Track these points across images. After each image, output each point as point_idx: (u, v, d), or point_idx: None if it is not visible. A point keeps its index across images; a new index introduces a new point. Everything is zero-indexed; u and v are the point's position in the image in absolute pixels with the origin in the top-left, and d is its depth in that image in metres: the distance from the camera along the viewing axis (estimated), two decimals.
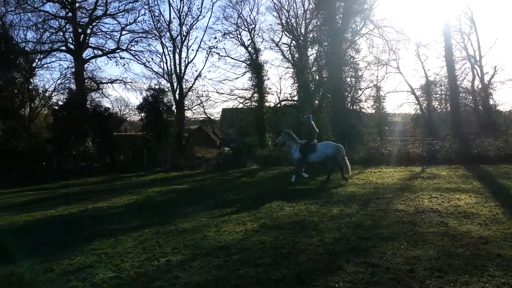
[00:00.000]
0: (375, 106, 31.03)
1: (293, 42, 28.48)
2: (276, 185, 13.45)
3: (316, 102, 26.81)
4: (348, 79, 23.95)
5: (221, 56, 29.22)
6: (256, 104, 28.65)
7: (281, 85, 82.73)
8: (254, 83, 28.36)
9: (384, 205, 8.67)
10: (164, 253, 5.73)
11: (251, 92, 28.86)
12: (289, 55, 28.64)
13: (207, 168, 22.55)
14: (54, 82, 35.29)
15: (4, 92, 25.81)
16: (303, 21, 27.93)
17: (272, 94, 29.05)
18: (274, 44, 29.53)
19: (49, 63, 30.58)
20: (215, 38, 28.71)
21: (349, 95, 24.78)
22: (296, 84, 27.93)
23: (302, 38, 27.75)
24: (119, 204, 11.06)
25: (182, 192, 13.22)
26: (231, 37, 29.19)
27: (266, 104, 28.98)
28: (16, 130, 23.72)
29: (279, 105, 29.51)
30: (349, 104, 25.02)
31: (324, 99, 25.98)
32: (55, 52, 31.01)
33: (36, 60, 29.23)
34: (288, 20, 28.07)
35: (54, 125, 24.20)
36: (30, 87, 27.98)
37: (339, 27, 21.05)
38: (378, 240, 5.82)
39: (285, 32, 28.56)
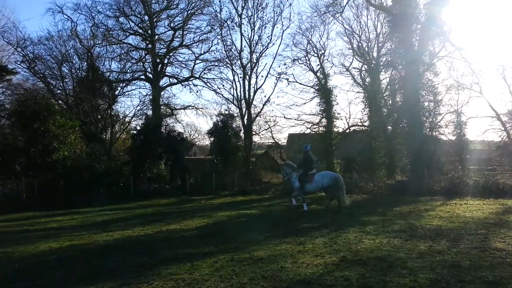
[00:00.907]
0: (455, 133, 28.79)
1: (365, 66, 27.78)
2: (350, 213, 12.74)
3: (389, 127, 25.58)
4: (426, 104, 22.54)
5: (290, 81, 29.33)
6: (324, 129, 28.07)
7: (350, 110, 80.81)
8: (322, 108, 27.89)
9: (479, 242, 7.70)
10: (242, 283, 5.46)
11: (319, 117, 28.38)
12: (360, 80, 27.93)
13: (274, 194, 22.29)
14: (134, 108, 37.92)
15: (89, 117, 28.07)
16: (375, 45, 27.22)
17: (341, 119, 28.26)
18: (344, 69, 29.05)
19: (130, 91, 32.97)
20: (285, 64, 28.96)
21: (427, 120, 23.27)
22: (367, 109, 26.98)
23: (374, 62, 26.94)
24: (191, 227, 11.10)
25: (252, 218, 13.01)
26: (300, 63, 29.27)
27: (335, 129, 28.27)
28: (98, 152, 25.47)
29: (348, 130, 28.63)
30: (428, 130, 23.46)
31: (398, 125, 24.69)
32: (135, 81, 33.42)
33: (119, 88, 31.56)
34: (360, 44, 27.54)
35: (132, 148, 25.61)
36: (112, 113, 30.16)
37: (415, 49, 20.03)
38: (485, 285, 5.03)
39: (356, 56, 28.01)
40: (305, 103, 29.49)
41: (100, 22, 32.26)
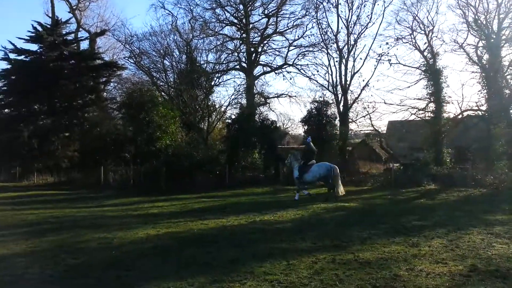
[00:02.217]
0: None
1: (482, 42, 24.10)
2: (470, 210, 10.94)
3: None
4: None
5: (392, 63, 26.86)
6: (432, 115, 25.23)
7: (463, 93, 72.79)
8: (430, 92, 25.04)
9: None
10: None
11: (426, 102, 25.55)
12: (476, 58, 24.34)
13: (373, 185, 20.69)
14: (229, 97, 38.74)
15: (188, 107, 29.25)
16: (496, 17, 23.37)
17: (452, 103, 25.03)
18: (457, 46, 25.53)
19: (225, 80, 33.55)
20: (387, 44, 26.57)
21: None
22: (485, 91, 23.45)
23: (494, 37, 23.24)
24: (286, 219, 10.48)
25: (351, 211, 11.93)
26: (404, 42, 26.61)
27: (445, 115, 25.23)
28: (197, 141, 26.39)
29: (460, 115, 25.32)
30: None
31: None
32: (230, 71, 33.98)
33: (215, 79, 32.36)
34: (476, 17, 23.92)
35: (227, 137, 26.03)
36: (209, 103, 31.07)
37: None
38: None
39: (471, 31, 24.41)
40: (409, 87, 26.67)
41: (198, 15, 33.37)
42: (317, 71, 29.86)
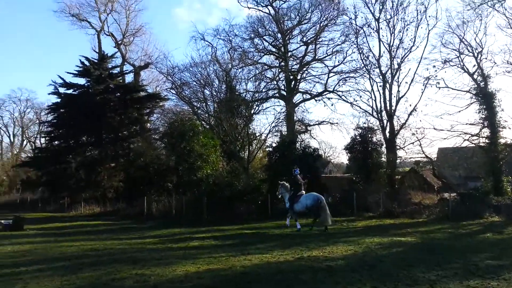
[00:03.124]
0: None
1: None
2: None
3: None
4: None
5: (440, 87, 25.46)
6: (487, 141, 23.40)
7: None
8: (483, 116, 23.38)
9: None
10: None
11: (480, 127, 23.81)
12: None
13: (429, 217, 19.08)
14: (269, 125, 38.40)
15: (228, 136, 29.10)
16: None
17: (508, 128, 23.13)
18: (510, 67, 23.91)
19: (265, 108, 33.32)
20: (434, 67, 25.29)
21: None
22: None
23: None
24: (337, 255, 9.51)
25: (410, 247, 10.74)
26: (452, 65, 25.25)
27: (501, 140, 23.31)
28: (238, 170, 25.94)
29: None
30: None
31: None
32: (270, 99, 33.82)
33: (254, 107, 32.25)
34: None
35: (268, 165, 25.40)
36: (249, 131, 30.83)
37: None
38: None
39: None
40: (459, 111, 25.04)
41: (236, 45, 33.91)
42: (360, 96, 28.94)
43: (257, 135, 31.92)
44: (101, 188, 31.75)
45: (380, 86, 27.06)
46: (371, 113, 27.64)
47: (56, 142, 35.85)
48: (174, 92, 35.24)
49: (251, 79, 32.97)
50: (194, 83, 33.28)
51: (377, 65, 27.25)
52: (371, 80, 27.62)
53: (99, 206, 28.13)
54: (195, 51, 48.07)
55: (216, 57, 33.31)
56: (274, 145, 26.03)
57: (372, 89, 27.51)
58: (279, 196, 16.71)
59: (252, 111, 32.35)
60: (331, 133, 75.18)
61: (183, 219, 20.13)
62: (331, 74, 32.42)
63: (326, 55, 32.77)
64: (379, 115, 27.05)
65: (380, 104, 26.99)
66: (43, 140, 48.58)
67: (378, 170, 24.16)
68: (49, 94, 57.20)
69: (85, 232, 16.62)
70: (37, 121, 59.69)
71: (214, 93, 32.48)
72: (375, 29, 27.10)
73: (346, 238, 12.52)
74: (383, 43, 27.07)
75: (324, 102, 32.42)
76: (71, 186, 31.87)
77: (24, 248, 11.46)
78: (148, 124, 38.77)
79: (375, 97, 27.36)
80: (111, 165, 33.33)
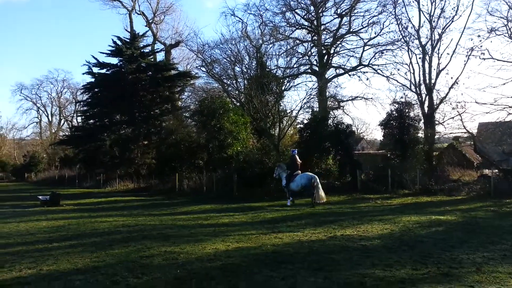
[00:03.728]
0: None
1: None
2: None
3: None
4: None
5: (484, 58, 23.71)
6: None
7: None
8: None
9: None
10: None
11: None
12: None
13: (469, 194, 18.16)
14: (300, 101, 37.59)
15: (259, 113, 28.66)
16: None
17: None
18: None
19: (296, 85, 32.49)
20: (478, 36, 23.51)
21: None
22: None
23: None
24: (372, 235, 9.06)
25: (450, 226, 10.11)
26: (497, 34, 23.38)
27: None
28: (268, 148, 25.61)
29: None
30: None
31: None
32: (301, 75, 32.88)
33: (286, 83, 31.49)
34: None
35: (299, 142, 24.88)
36: (279, 108, 30.23)
37: None
38: None
39: None
40: (504, 84, 23.30)
41: (267, 20, 32.96)
42: (398, 69, 27.54)
43: (288, 111, 31.28)
44: (135, 165, 32.49)
45: (420, 58, 25.62)
46: (409, 87, 26.35)
47: (91, 121, 36.82)
48: (204, 69, 34.99)
49: (282, 55, 32.10)
50: (224, 60, 32.83)
51: (416, 36, 25.75)
52: (409, 52, 26.18)
53: (133, 182, 28.82)
54: (225, 27, 47.27)
55: (247, 33, 32.55)
56: (305, 121, 25.34)
57: (411, 62, 26.10)
58: (276, 177, 17.39)
59: (283, 88, 31.60)
60: (365, 108, 73.33)
61: (214, 196, 20.20)
62: (366, 47, 30.97)
63: (362, 27, 31.25)
64: (417, 89, 25.74)
65: (419, 77, 25.64)
66: (79, 119, 50.11)
67: (415, 146, 23.08)
68: (83, 74, 58.80)
69: (119, 207, 16.95)
70: (73, 101, 61.64)
71: (245, 70, 31.92)
72: None
73: (381, 217, 12.00)
74: (423, 13, 25.45)
75: (358, 76, 31.22)
76: (106, 163, 32.81)
77: (58, 224, 11.73)
78: (179, 102, 38.97)
79: (413, 70, 25.99)
80: (143, 143, 33.93)
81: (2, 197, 23.60)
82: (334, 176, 23.23)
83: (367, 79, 31.42)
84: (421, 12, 25.44)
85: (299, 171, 16.16)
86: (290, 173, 16.11)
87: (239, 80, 32.66)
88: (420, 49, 25.56)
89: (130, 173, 30.94)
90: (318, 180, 15.70)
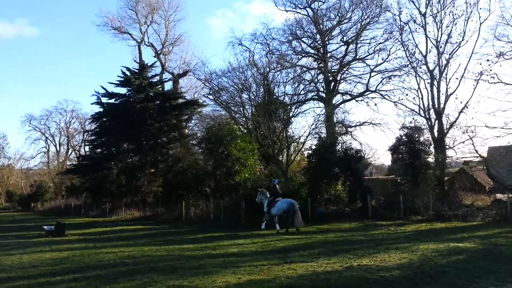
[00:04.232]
0: None
1: None
2: None
3: None
4: None
5: (492, 82, 23.48)
6: None
7: None
8: None
9: None
10: None
11: None
12: None
13: (484, 220, 17.54)
14: (309, 127, 37.30)
15: (266, 140, 28.50)
16: None
17: None
18: None
19: (303, 111, 32.46)
20: (488, 60, 23.39)
21: None
22: None
23: None
24: (391, 265, 8.59)
25: (471, 254, 9.60)
26: (506, 58, 23.26)
27: None
28: (276, 174, 25.28)
29: None
30: None
31: None
32: (308, 101, 32.93)
33: (293, 110, 31.49)
34: None
35: (307, 168, 24.54)
36: (287, 134, 30.08)
37: None
38: None
39: None
40: None
41: (274, 48, 33.38)
42: (406, 95, 27.40)
43: (295, 138, 31.12)
44: (141, 193, 32.17)
45: (428, 83, 25.49)
46: (417, 111, 26.08)
47: (98, 150, 36.84)
48: (211, 97, 35.23)
49: (289, 82, 32.30)
50: (232, 88, 33.07)
51: (424, 61, 25.71)
52: (417, 78, 26.08)
53: (139, 211, 28.42)
54: (233, 56, 48.24)
55: (254, 61, 32.93)
56: (313, 147, 25.07)
57: (419, 87, 25.97)
58: (258, 202, 18.30)
59: (290, 114, 31.60)
60: (373, 134, 72.85)
61: (221, 224, 19.75)
62: (373, 73, 31.11)
63: (368, 54, 31.52)
64: (426, 113, 25.47)
65: (428, 102, 25.43)
66: (87, 148, 50.31)
67: (426, 171, 22.62)
68: (92, 104, 59.48)
69: (124, 237, 16.54)
70: (81, 130, 62.12)
71: (252, 97, 32.05)
72: (421, 24, 25.58)
73: (397, 245, 11.50)
74: (429, 39, 25.51)
75: (366, 102, 31.19)
76: (112, 191, 32.52)
77: (62, 255, 11.35)
78: (186, 130, 39.05)
79: (422, 95, 25.83)
80: (150, 171, 33.73)
81: (7, 227, 23.30)
82: (344, 202, 22.76)
83: (375, 105, 31.29)
84: (427, 38, 25.52)
85: (281, 197, 17.28)
86: (272, 199, 17.21)
87: (246, 107, 32.79)
88: (428, 74, 25.48)
89: (136, 202, 30.60)
90: (297, 206, 16.60)
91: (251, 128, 31.14)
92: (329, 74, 31.50)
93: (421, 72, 26.01)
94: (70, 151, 66.95)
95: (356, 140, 32.59)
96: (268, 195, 17.66)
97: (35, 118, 65.89)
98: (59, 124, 66.98)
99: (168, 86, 41.96)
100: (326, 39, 32.81)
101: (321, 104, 32.43)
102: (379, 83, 30.57)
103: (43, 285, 7.43)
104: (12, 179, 61.51)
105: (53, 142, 67.33)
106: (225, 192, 23.72)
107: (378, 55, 30.74)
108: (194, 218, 22.62)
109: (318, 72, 32.63)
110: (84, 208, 34.38)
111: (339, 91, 32.75)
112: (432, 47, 25.57)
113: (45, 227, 17.91)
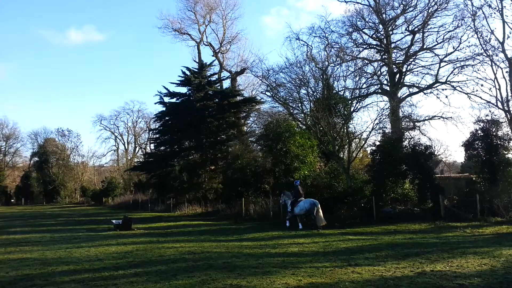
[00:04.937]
0: None
1: None
2: None
3: None
4: None
5: None
6: None
7: None
8: None
9: None
10: None
11: None
12: None
13: None
14: (372, 122, 35.50)
15: (326, 136, 27.61)
16: None
17: None
18: None
19: (365, 106, 31.03)
20: None
21: None
22: None
23: None
24: (469, 271, 7.67)
25: None
26: None
27: None
28: (337, 171, 24.39)
29: None
30: None
31: None
32: (371, 95, 31.42)
33: (354, 105, 30.21)
34: None
35: (371, 166, 23.35)
36: (348, 130, 28.93)
37: None
38: None
39: None
40: None
41: (333, 42, 32.30)
42: (481, 85, 25.10)
43: (357, 134, 29.83)
44: (202, 190, 32.91)
45: (506, 72, 23.15)
46: (494, 103, 23.81)
47: (162, 148, 38.35)
48: (269, 94, 34.94)
49: (349, 76, 30.99)
50: (290, 83, 32.51)
51: (501, 49, 23.38)
52: (494, 67, 23.79)
53: (201, 207, 29.04)
54: (290, 51, 47.32)
55: (312, 55, 32.09)
56: (377, 143, 23.79)
57: (496, 77, 23.67)
58: (282, 203, 19.44)
59: (351, 109, 30.35)
60: (444, 129, 68.45)
61: (281, 221, 19.38)
62: (443, 64, 28.88)
63: (437, 43, 29.30)
64: (505, 105, 23.16)
65: (506, 93, 23.13)
66: (152, 146, 52.66)
67: (506, 169, 20.47)
68: (155, 103, 62.15)
69: (186, 232, 16.82)
70: (147, 129, 65.34)
71: (310, 92, 31.24)
72: (497, 9, 23.27)
73: (475, 249, 10.37)
74: (507, 24, 23.12)
75: (435, 95, 29.05)
76: (176, 187, 33.64)
77: (126, 249, 11.68)
78: (245, 127, 39.26)
79: (499, 85, 23.53)
80: (211, 168, 34.38)
81: (80, 221, 24.92)
82: (413, 202, 21.33)
83: (446, 97, 28.98)
84: (505, 23, 23.13)
85: (303, 198, 17.78)
86: (294, 200, 17.74)
87: (304, 102, 32.04)
88: (506, 62, 23.15)
89: (198, 198, 31.35)
90: (319, 206, 17.04)
91: (310, 124, 30.39)
92: (394, 66, 29.79)
93: (498, 60, 23.73)
94: (137, 149, 70.91)
95: (425, 135, 30.47)
96: (292, 196, 18.26)
97: (105, 118, 70.59)
98: (127, 123, 71.20)
99: (226, 84, 42.58)
100: (389, 29, 31.10)
101: (385, 98, 30.76)
102: (449, 74, 28.35)
103: (106, 279, 7.57)
104: (86, 176, 66.37)
105: (122, 140, 71.72)
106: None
107: (448, 44, 28.53)
108: (254, 215, 22.54)
109: (381, 64, 31.04)
110: (150, 203, 35.94)
111: (405, 83, 30.90)
112: (511, 33, 23.18)
113: (113, 221, 18.79)
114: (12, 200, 62.92)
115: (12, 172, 70.11)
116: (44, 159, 62.65)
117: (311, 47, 33.67)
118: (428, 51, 30.21)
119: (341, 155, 28.64)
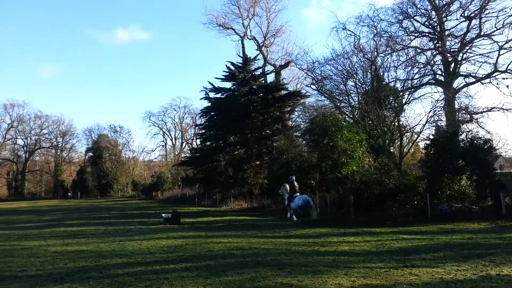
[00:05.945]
0: None
1: None
2: None
3: None
4: None
5: None
6: None
7: None
8: None
9: None
10: None
11: None
12: None
13: None
14: (426, 114, 33.81)
15: (375, 130, 26.60)
16: None
17: None
18: None
19: (418, 97, 29.55)
20: None
21: None
22: None
23: None
24: None
25: None
26: None
27: None
28: (388, 167, 23.43)
29: None
30: None
31: None
32: (424, 86, 29.84)
33: (405, 96, 28.86)
34: None
35: (425, 161, 22.18)
36: (399, 123, 27.68)
37: None
38: None
39: None
40: None
41: (382, 31, 31.01)
42: None
43: (409, 127, 28.45)
44: (248, 185, 32.98)
45: None
46: None
47: (208, 143, 38.84)
48: (314, 87, 34.14)
49: (400, 66, 29.57)
50: (336, 76, 31.61)
51: None
52: None
53: (246, 202, 29.12)
54: (337, 41, 45.99)
55: (360, 45, 30.98)
56: (431, 137, 22.54)
57: None
58: (281, 193, 20.71)
59: (403, 101, 28.99)
60: (504, 121, 63.75)
61: (328, 218, 18.95)
62: (502, 51, 26.84)
63: (496, 29, 27.22)
64: None
65: None
66: (198, 141, 53.70)
67: None
68: (201, 99, 63.21)
69: (233, 227, 16.87)
70: (193, 125, 66.78)
71: (359, 85, 30.16)
72: None
73: None
74: None
75: (494, 84, 27.08)
76: (221, 182, 34.00)
77: (176, 243, 11.86)
78: (290, 122, 38.85)
79: None
80: (256, 163, 34.36)
81: (132, 214, 25.87)
82: (470, 200, 20.02)
83: (507, 87, 26.90)
84: None
85: (298, 193, 19.22)
86: (290, 194, 19.16)
87: (352, 95, 30.97)
88: None
89: (244, 193, 31.44)
90: (312, 202, 18.26)
91: (357, 118, 29.41)
92: (448, 55, 28.12)
93: None
94: (184, 144, 72.67)
95: (483, 128, 28.51)
96: (288, 190, 19.49)
97: (153, 114, 73.01)
98: (174, 119, 73.22)
99: (270, 78, 42.30)
100: (443, 15, 29.32)
101: (439, 89, 29.13)
102: (511, 62, 26.31)
103: (157, 273, 7.66)
104: (136, 170, 69.08)
105: (169, 136, 73.90)
106: (332, 185, 22.81)
107: (509, 30, 26.42)
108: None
109: (435, 53, 29.37)
110: (197, 198, 36.66)
111: (461, 73, 29.02)
112: None
113: (163, 215, 19.27)
114: (69, 194, 66.85)
115: (68, 167, 74.60)
116: (98, 154, 65.97)
117: (358, 37, 32.55)
118: (486, 38, 28.17)
119: (392, 150, 27.50)
